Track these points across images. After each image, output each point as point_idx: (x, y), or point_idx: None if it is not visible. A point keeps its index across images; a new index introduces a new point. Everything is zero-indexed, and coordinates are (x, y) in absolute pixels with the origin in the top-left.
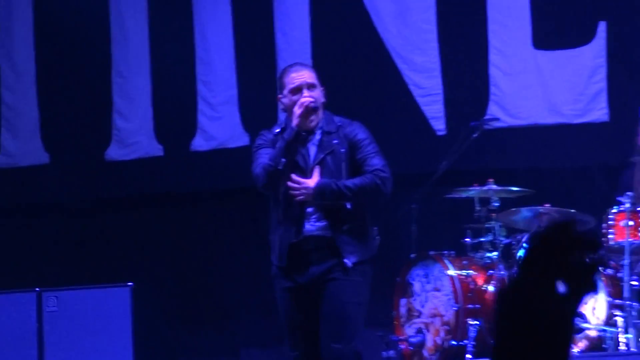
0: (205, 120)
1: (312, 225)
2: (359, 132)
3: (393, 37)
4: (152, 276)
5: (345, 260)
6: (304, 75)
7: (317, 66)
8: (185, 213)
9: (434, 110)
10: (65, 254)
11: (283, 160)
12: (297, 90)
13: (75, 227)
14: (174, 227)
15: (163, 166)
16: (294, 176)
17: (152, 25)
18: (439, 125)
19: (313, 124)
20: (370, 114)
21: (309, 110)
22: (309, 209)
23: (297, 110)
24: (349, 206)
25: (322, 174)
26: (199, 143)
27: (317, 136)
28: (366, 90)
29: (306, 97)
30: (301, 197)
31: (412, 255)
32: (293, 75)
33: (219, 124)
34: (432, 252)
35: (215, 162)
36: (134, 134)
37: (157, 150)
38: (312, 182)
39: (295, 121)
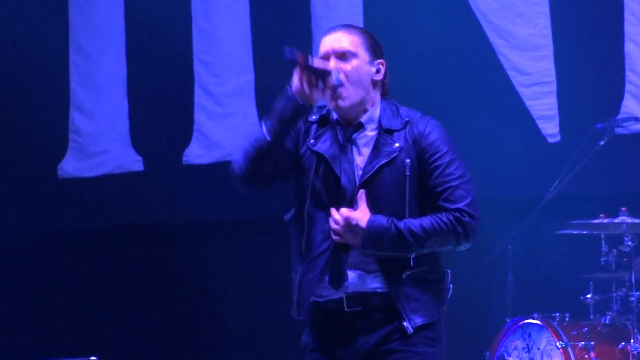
0: (205, 119)
1: (355, 273)
2: (435, 136)
3: None
4: (123, 344)
5: (405, 324)
6: (336, 40)
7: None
8: (174, 255)
9: (544, 107)
10: (6, 311)
11: (271, 134)
12: (325, 59)
13: (16, 271)
14: (155, 275)
15: (143, 186)
16: (336, 211)
17: None
18: (551, 129)
19: (339, 103)
20: (446, 109)
21: (321, 80)
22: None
23: (296, 75)
24: (413, 256)
25: (375, 195)
26: (196, 153)
27: (369, 133)
28: (441, 73)
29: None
30: (342, 239)
31: (508, 320)
32: (324, 39)
33: (225, 125)
34: (536, 315)
35: (221, 180)
36: (100, 140)
37: (134, 162)
38: (362, 216)
39: (294, 84)
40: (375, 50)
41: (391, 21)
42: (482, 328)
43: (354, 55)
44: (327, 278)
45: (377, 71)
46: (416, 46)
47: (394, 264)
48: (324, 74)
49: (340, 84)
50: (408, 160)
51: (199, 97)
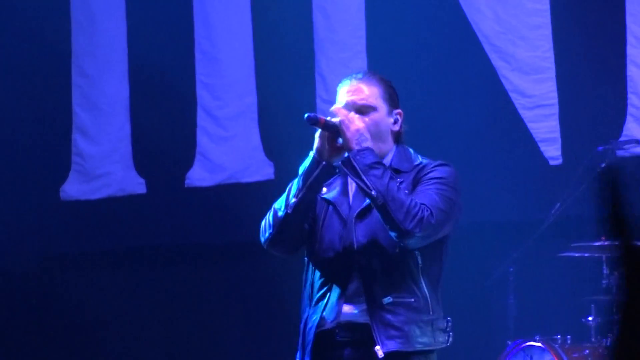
0: (207, 142)
1: (351, 306)
2: (436, 171)
3: (486, 20)
4: None
5: (377, 348)
6: (356, 92)
7: (373, 62)
8: (177, 277)
9: (546, 130)
10: (9, 334)
11: (294, 200)
12: None
13: (18, 293)
14: (158, 297)
15: (146, 208)
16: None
17: (130, 3)
18: (553, 151)
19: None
20: (448, 132)
21: (333, 131)
22: (351, 280)
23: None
24: (374, 194)
25: (372, 226)
26: (199, 175)
27: None
28: (442, 98)
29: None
30: (347, 122)
31: (510, 342)
32: (342, 89)
33: (228, 148)
34: (538, 338)
35: (223, 203)
36: (103, 162)
37: (136, 185)
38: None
39: (316, 142)
40: (393, 100)
41: (393, 44)
42: (483, 351)
43: (373, 108)
44: (324, 312)
45: (395, 121)
46: (418, 68)
47: (377, 290)
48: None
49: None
50: (406, 192)
51: (202, 119)
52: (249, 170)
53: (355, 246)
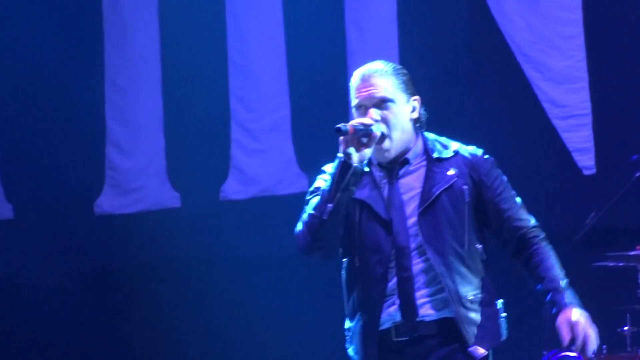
0: (241, 155)
1: (424, 302)
2: (489, 162)
3: (518, 30)
4: None
5: (471, 350)
6: (371, 87)
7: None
8: (212, 291)
9: (579, 139)
10: (44, 349)
11: (329, 206)
12: (360, 108)
13: (53, 308)
14: (194, 311)
15: (180, 222)
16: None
17: (164, 17)
18: (586, 161)
19: (386, 155)
20: (481, 142)
21: (365, 135)
22: (417, 278)
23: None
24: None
25: (436, 221)
26: (233, 189)
27: (416, 166)
28: (475, 109)
29: (362, 119)
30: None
31: (545, 352)
32: (357, 85)
33: (262, 161)
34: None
35: (258, 216)
36: (137, 176)
37: (171, 199)
38: (577, 313)
39: (341, 146)
40: (409, 87)
41: (425, 55)
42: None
43: (390, 101)
44: (394, 316)
45: (413, 109)
46: (450, 79)
47: (456, 289)
48: (367, 131)
49: (383, 135)
50: (466, 187)
51: (236, 133)
52: (284, 182)
53: (421, 244)
